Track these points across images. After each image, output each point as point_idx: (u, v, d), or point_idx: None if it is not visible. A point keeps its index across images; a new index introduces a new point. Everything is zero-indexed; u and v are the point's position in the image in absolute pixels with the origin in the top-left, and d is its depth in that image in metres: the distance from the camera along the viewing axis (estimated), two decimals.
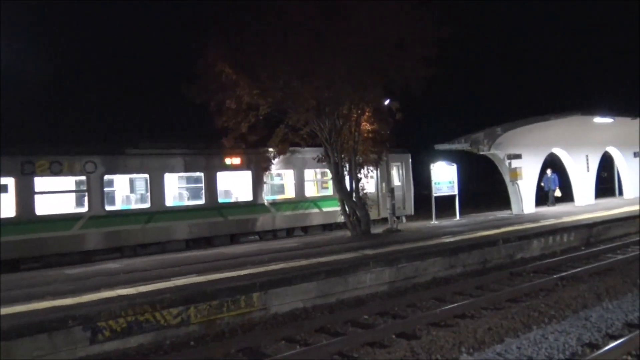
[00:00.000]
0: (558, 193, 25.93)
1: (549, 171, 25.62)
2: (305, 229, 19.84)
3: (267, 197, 18.64)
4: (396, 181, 22.65)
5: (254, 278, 10.45)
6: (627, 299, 10.20)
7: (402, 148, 23.35)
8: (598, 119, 20.10)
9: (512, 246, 15.21)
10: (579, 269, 13.14)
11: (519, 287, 11.45)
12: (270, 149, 17.20)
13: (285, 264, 11.88)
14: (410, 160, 22.94)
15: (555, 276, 12.39)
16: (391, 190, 18.07)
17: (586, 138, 24.47)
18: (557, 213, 21.64)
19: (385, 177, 22.22)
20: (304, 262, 12.07)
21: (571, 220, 19.30)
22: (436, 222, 20.09)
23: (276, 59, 13.92)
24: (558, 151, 24.56)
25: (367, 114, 16.21)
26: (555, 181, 26.02)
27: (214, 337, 9.03)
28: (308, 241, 16.32)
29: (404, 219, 22.91)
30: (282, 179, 19.50)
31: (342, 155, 16.36)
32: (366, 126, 16.36)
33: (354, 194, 16.40)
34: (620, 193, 29.64)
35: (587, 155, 25.57)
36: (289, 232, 19.43)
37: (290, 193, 19.46)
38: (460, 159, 25.21)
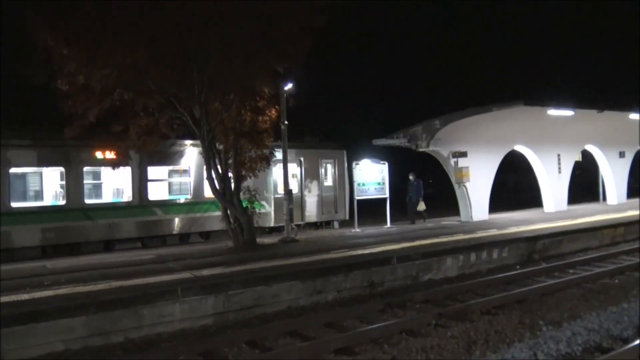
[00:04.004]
0: (422, 206, 19.64)
1: (411, 176, 19.72)
2: (207, 234, 17.11)
3: (152, 197, 15.95)
4: (327, 181, 19.79)
5: None
6: (504, 354, 7.22)
7: (336, 143, 20.54)
8: (554, 111, 16.87)
9: (415, 265, 12.24)
10: (476, 300, 10.15)
11: (369, 329, 8.49)
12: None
13: (70, 289, 9.14)
14: (345, 157, 20.00)
15: (435, 312, 9.44)
16: (289, 192, 15.15)
17: (558, 134, 21.19)
18: (507, 222, 18.52)
19: (317, 175, 19.47)
20: (101, 286, 9.32)
21: (516, 231, 16.19)
22: (358, 230, 17.12)
23: (111, 29, 11.19)
24: (521, 149, 21.34)
25: (250, 101, 13.28)
26: (418, 190, 19.63)
27: None
28: (171, 253, 13.51)
29: (336, 224, 20.04)
30: (173, 177, 16.79)
31: (220, 150, 13.57)
32: (250, 116, 13.43)
33: (234, 197, 13.54)
34: (605, 198, 26.21)
35: (559, 155, 22.30)
36: (184, 237, 16.73)
37: (184, 193, 16.74)
38: (414, 156, 22.23)
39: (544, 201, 22.42)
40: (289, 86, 14.68)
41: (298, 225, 18.07)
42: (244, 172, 13.83)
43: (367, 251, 12.74)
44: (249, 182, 14.76)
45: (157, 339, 8.58)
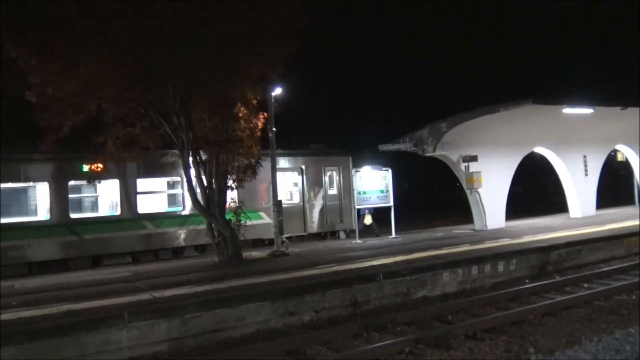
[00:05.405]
0: (368, 219, 17.70)
1: None
2: (203, 248, 16.42)
3: (142, 210, 15.40)
4: (332, 189, 18.87)
5: None
6: None
7: (341, 149, 19.63)
8: (570, 110, 15.47)
9: (407, 281, 11.19)
10: (463, 323, 9.04)
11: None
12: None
13: (14, 314, 8.53)
14: (350, 164, 19.00)
15: (411, 336, 8.39)
16: (278, 203, 14.32)
17: (582, 134, 19.66)
18: (525, 229, 17.16)
19: (320, 183, 18.62)
20: (46, 310, 8.67)
21: (531, 240, 14.88)
22: (359, 242, 16.11)
23: (76, 38, 10.67)
24: (542, 151, 19.89)
25: (228, 109, 12.51)
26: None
27: None
28: (150, 269, 12.87)
29: (342, 234, 19.07)
30: (165, 189, 16.21)
31: (205, 160, 12.88)
32: (229, 124, 12.61)
33: (216, 210, 12.79)
34: None
35: (584, 156, 20.70)
36: (178, 252, 16.11)
37: (176, 205, 16.14)
38: (427, 161, 21.06)
39: (570, 206, 20.85)
40: (276, 91, 13.91)
41: (291, 237, 17.02)
42: (229, 183, 13.09)
43: (354, 266, 11.76)
44: (243, 192, 14.06)
45: None
